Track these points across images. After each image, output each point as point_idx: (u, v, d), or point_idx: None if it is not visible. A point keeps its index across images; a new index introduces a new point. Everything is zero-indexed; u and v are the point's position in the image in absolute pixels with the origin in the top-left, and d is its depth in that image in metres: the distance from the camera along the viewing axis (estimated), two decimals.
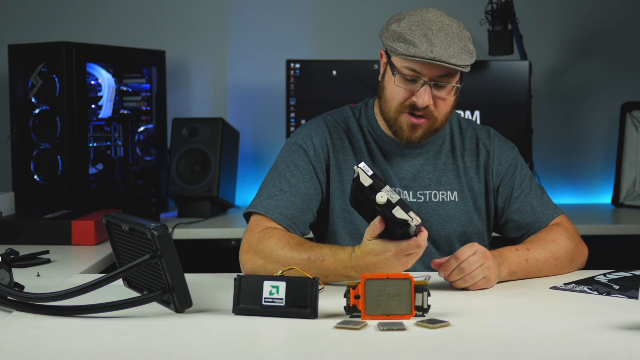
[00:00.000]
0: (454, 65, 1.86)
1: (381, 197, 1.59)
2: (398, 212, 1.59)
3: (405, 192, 2.03)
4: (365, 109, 2.10)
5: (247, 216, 1.98)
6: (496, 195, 2.07)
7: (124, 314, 1.56)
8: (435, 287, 1.76)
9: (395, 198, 1.59)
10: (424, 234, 1.68)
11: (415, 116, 1.94)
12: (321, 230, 2.06)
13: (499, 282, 1.84)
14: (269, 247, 1.84)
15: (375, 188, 1.60)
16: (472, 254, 1.77)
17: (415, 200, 2.03)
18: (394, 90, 1.94)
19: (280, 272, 1.61)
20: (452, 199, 2.04)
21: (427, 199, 2.04)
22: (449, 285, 1.80)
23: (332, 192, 2.02)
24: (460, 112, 3.29)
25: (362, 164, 1.62)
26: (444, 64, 1.85)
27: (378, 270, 1.70)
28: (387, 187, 1.60)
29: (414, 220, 1.59)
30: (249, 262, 1.87)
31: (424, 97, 1.90)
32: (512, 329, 1.50)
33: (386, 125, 2.02)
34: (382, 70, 2.01)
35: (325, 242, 2.07)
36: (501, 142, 2.11)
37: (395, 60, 1.92)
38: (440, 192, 2.04)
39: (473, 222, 2.05)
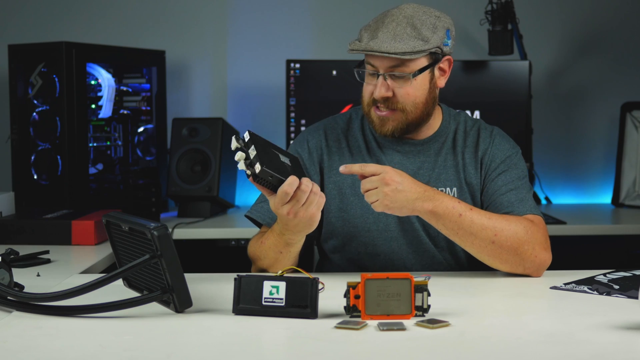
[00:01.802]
0: (387, 53, 1.90)
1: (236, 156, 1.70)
2: (240, 164, 1.69)
3: None
4: None
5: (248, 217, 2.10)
6: (484, 183, 2.05)
7: (124, 314, 1.56)
8: (435, 287, 1.76)
9: (252, 155, 1.67)
10: (290, 181, 1.72)
11: (379, 109, 1.99)
12: (318, 230, 2.07)
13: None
14: (252, 252, 2.04)
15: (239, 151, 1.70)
16: (376, 173, 1.82)
17: None
18: (364, 87, 2.02)
19: (280, 272, 1.61)
20: (451, 194, 2.04)
21: None
22: (449, 286, 1.80)
23: (327, 192, 2.06)
24: None
25: (246, 133, 1.71)
26: (375, 53, 1.90)
27: (287, 224, 1.80)
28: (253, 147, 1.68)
29: (249, 169, 1.69)
30: (253, 270, 2.07)
31: (378, 88, 1.96)
32: (512, 329, 1.50)
33: None
34: None
35: (323, 242, 2.12)
36: (502, 140, 2.09)
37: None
38: (439, 188, 2.03)
39: None
